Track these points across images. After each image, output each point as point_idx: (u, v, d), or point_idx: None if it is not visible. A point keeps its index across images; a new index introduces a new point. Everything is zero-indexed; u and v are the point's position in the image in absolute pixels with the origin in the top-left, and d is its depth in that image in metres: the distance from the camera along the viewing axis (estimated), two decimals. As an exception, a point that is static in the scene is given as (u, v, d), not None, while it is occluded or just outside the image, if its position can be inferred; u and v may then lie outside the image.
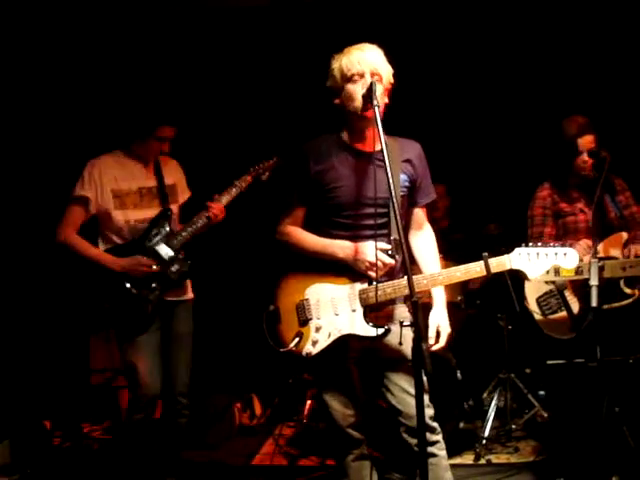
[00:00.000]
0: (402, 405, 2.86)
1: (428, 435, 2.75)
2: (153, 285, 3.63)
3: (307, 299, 2.91)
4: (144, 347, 3.63)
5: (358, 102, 2.78)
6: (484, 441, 4.45)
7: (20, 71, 5.28)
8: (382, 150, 2.59)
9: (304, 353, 2.88)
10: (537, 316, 4.05)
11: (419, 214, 3.06)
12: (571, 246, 2.78)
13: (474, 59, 5.45)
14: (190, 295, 3.89)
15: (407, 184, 2.93)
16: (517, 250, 2.74)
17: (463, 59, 5.46)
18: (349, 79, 2.79)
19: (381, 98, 2.75)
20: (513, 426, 4.67)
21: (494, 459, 4.37)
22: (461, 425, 4.64)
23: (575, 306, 3.92)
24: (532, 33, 5.26)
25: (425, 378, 2.78)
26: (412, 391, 2.70)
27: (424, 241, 3.07)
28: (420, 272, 2.98)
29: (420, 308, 2.42)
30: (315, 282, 2.92)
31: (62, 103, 5.51)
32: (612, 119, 4.67)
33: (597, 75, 5.19)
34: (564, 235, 4.04)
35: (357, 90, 2.78)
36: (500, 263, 2.74)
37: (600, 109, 4.42)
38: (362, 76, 2.77)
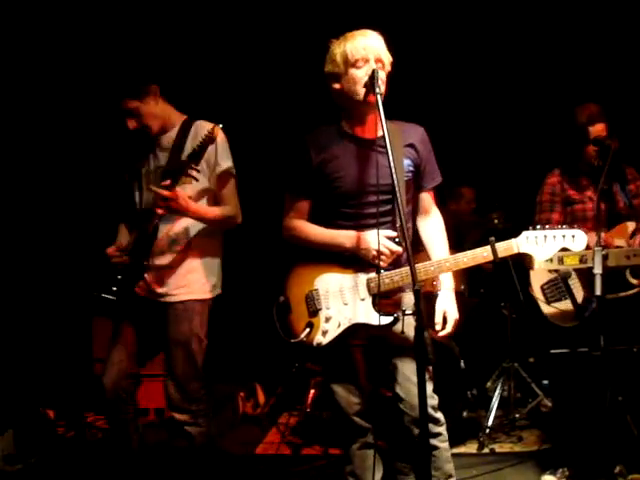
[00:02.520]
0: (406, 394, 2.85)
1: (430, 426, 2.75)
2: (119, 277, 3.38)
3: (316, 289, 2.90)
4: (113, 347, 3.42)
5: (361, 88, 2.75)
6: (488, 430, 4.45)
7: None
8: (384, 137, 2.57)
9: (315, 343, 2.87)
10: (541, 303, 4.04)
11: (426, 198, 3.03)
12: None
13: (481, 44, 5.42)
14: (185, 296, 3.39)
15: (411, 169, 2.91)
16: (524, 233, 2.72)
17: (470, 44, 5.42)
18: (353, 64, 2.76)
19: (383, 86, 2.73)
20: (517, 415, 4.69)
21: (498, 448, 4.38)
22: (465, 414, 4.65)
23: (580, 294, 3.90)
24: (545, 17, 5.21)
25: (430, 368, 2.78)
26: (416, 380, 2.69)
27: (432, 226, 3.04)
28: (428, 257, 2.96)
29: (422, 297, 2.41)
30: (324, 272, 2.90)
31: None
32: (626, 107, 4.64)
33: (610, 62, 5.15)
34: (572, 223, 4.02)
35: (361, 75, 2.75)
36: (508, 247, 2.72)
37: (614, 97, 4.39)
38: (366, 61, 2.75)
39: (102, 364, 3.51)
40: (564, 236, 2.71)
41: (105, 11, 5.16)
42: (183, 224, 3.36)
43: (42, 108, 5.47)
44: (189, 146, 3.31)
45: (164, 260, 3.37)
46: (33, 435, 4.53)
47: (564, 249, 2.74)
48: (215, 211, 3.38)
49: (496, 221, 4.91)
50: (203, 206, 3.37)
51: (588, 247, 2.87)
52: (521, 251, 2.72)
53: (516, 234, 2.74)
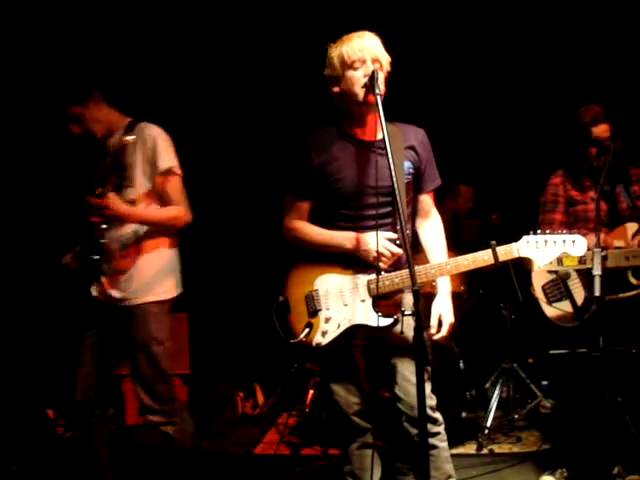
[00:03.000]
0: (404, 394, 2.85)
1: (429, 426, 2.75)
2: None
3: (316, 290, 2.90)
4: (80, 357, 3.41)
5: (359, 89, 2.76)
6: (487, 431, 4.46)
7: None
8: (384, 139, 2.57)
9: (314, 344, 2.87)
10: (543, 304, 4.04)
11: (426, 201, 3.04)
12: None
13: (482, 44, 5.41)
14: (141, 300, 3.35)
15: (411, 171, 2.91)
16: (525, 238, 2.72)
17: (471, 45, 5.42)
18: (350, 66, 2.77)
19: (382, 86, 2.74)
20: (516, 416, 4.69)
21: (496, 449, 4.38)
22: (463, 415, 4.65)
23: (580, 295, 3.90)
24: (548, 17, 5.20)
25: (429, 368, 2.78)
26: (415, 380, 2.70)
27: (431, 229, 3.05)
28: (427, 260, 2.97)
29: (422, 297, 2.41)
30: (324, 273, 2.91)
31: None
32: (630, 108, 4.64)
33: (614, 63, 5.14)
34: (574, 223, 4.02)
35: (359, 76, 2.75)
36: (508, 251, 2.72)
37: (618, 98, 4.39)
38: (363, 62, 2.75)
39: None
40: (564, 241, 2.71)
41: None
42: (131, 227, 3.35)
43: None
44: (131, 149, 3.32)
45: (117, 264, 3.36)
46: (32, 435, 4.53)
47: (564, 254, 2.74)
48: (158, 213, 3.37)
49: (495, 220, 4.94)
50: (142, 210, 3.34)
51: (588, 248, 2.87)
52: (521, 255, 2.72)
53: (517, 237, 2.74)
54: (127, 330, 3.35)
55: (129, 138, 3.26)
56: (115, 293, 3.35)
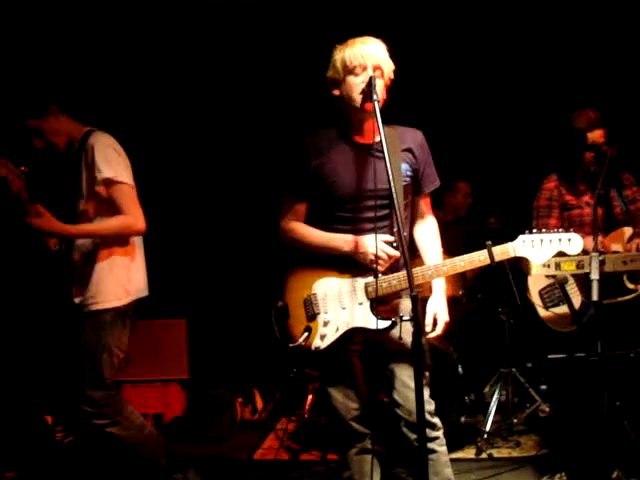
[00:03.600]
0: (403, 399, 2.86)
1: (428, 431, 2.75)
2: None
3: (314, 294, 2.91)
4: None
5: (358, 95, 2.77)
6: (485, 435, 4.45)
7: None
8: (381, 142, 2.58)
9: (313, 347, 2.87)
10: (539, 309, 4.04)
11: (422, 204, 3.05)
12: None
13: (479, 50, 5.43)
14: (96, 306, 3.41)
15: (409, 173, 2.92)
16: (521, 237, 2.73)
17: (467, 50, 5.44)
18: (351, 71, 2.78)
19: (381, 93, 2.75)
20: (514, 420, 4.68)
21: (495, 453, 4.37)
22: (462, 419, 4.65)
23: (577, 299, 3.91)
24: (541, 23, 5.22)
25: (427, 373, 2.79)
26: (413, 386, 2.70)
27: (426, 231, 3.06)
28: (422, 263, 2.98)
29: (420, 302, 2.42)
30: (322, 276, 2.91)
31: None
32: (622, 113, 4.65)
33: (607, 68, 5.17)
34: (569, 228, 4.03)
35: (358, 82, 2.77)
36: (504, 251, 2.73)
37: (609, 103, 4.40)
38: (364, 69, 2.77)
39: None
40: (560, 239, 2.72)
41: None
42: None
43: None
44: (84, 157, 3.35)
45: (80, 272, 3.45)
46: (31, 440, 4.53)
47: (560, 253, 2.75)
48: (99, 226, 3.39)
49: (492, 225, 4.95)
50: (85, 224, 3.39)
51: (585, 252, 2.88)
52: (517, 255, 2.73)
53: (512, 237, 2.75)
54: (81, 333, 3.41)
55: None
56: (77, 300, 3.45)
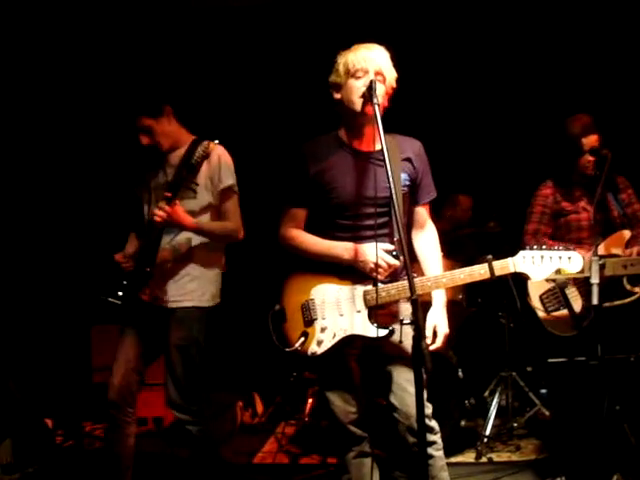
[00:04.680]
0: (401, 403, 2.86)
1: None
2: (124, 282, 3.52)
3: (312, 299, 2.91)
4: (119, 348, 3.54)
5: (358, 99, 2.78)
6: (485, 439, 4.45)
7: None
8: (382, 150, 2.59)
9: (309, 353, 2.87)
10: (540, 313, 4.05)
11: (421, 213, 3.05)
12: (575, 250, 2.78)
13: (476, 57, 5.46)
14: (185, 303, 3.51)
15: (407, 182, 2.93)
16: (521, 253, 2.72)
17: (465, 57, 5.47)
18: (352, 75, 2.79)
19: (381, 98, 2.75)
20: (514, 424, 4.68)
21: (495, 457, 4.37)
22: (462, 423, 4.64)
23: (578, 303, 3.92)
24: (535, 31, 5.27)
25: (424, 376, 2.78)
26: (411, 390, 2.70)
27: (426, 240, 3.06)
28: (421, 271, 2.98)
29: (420, 307, 2.42)
30: (321, 282, 2.91)
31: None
32: (614, 117, 4.67)
33: (599, 73, 5.20)
34: (567, 233, 4.05)
35: (359, 86, 2.78)
36: (504, 266, 2.73)
37: (602, 107, 4.42)
38: (366, 73, 2.77)
39: (100, 372, 3.55)
40: (560, 257, 2.71)
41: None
42: (186, 235, 3.51)
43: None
44: (206, 165, 3.48)
45: (167, 268, 3.51)
46: (31, 444, 4.52)
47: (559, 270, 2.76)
48: (215, 226, 3.55)
49: (492, 229, 4.96)
50: (202, 221, 3.51)
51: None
52: (517, 270, 2.72)
53: (514, 247, 2.75)
54: (168, 331, 3.50)
55: (212, 145, 3.43)
56: (162, 295, 3.50)
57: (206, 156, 3.40)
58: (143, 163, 3.65)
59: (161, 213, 3.34)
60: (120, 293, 3.45)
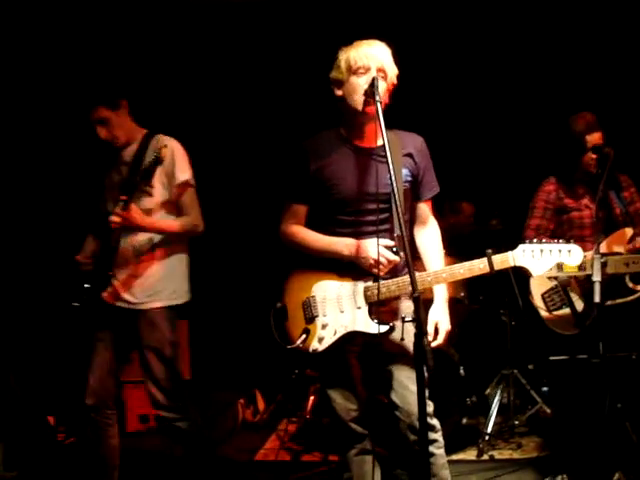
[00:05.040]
0: (402, 401, 2.86)
1: None
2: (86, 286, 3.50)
3: (313, 296, 2.91)
4: (93, 353, 3.54)
5: (360, 96, 2.78)
6: (487, 437, 4.45)
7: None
8: (384, 146, 2.59)
9: (311, 350, 2.88)
10: (542, 311, 4.05)
11: (423, 209, 3.05)
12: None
13: (478, 54, 5.45)
14: (155, 304, 3.49)
15: (409, 178, 2.92)
16: (521, 247, 2.72)
17: (467, 54, 5.45)
18: (354, 71, 2.79)
19: (383, 95, 2.75)
20: (516, 422, 4.68)
21: (497, 455, 4.37)
22: (464, 421, 4.64)
23: (579, 302, 3.91)
24: (538, 28, 5.25)
25: (426, 374, 2.78)
26: (412, 388, 2.71)
27: (428, 237, 3.06)
28: (423, 267, 2.98)
29: (422, 304, 2.42)
30: (322, 279, 2.91)
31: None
32: (616, 115, 4.67)
33: (602, 71, 5.19)
34: (569, 230, 4.04)
35: (361, 83, 2.77)
36: (504, 260, 2.72)
37: (604, 105, 4.41)
38: (368, 70, 2.77)
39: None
40: (560, 250, 2.71)
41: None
42: (147, 234, 3.49)
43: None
44: (147, 160, 3.43)
45: (130, 269, 3.49)
46: (33, 441, 4.53)
47: (560, 264, 2.75)
48: (174, 223, 3.50)
49: (494, 227, 4.96)
50: (159, 220, 3.48)
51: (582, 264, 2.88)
52: (517, 264, 2.71)
53: (516, 244, 2.75)
54: (140, 333, 3.48)
55: (164, 149, 3.34)
56: (129, 297, 3.48)
57: (159, 162, 3.32)
58: (96, 160, 3.63)
59: (117, 219, 3.34)
60: (84, 296, 3.44)
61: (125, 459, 3.71)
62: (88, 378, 3.49)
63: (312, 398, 4.72)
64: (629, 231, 3.95)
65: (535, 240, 2.73)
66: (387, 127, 2.64)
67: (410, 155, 2.93)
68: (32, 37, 5.17)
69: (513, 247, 2.74)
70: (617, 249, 3.89)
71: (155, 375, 3.47)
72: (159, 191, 3.47)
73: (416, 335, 2.40)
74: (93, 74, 4.10)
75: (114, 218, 3.33)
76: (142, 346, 3.48)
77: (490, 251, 2.71)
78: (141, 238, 3.48)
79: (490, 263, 2.71)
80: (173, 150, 3.45)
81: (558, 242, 2.73)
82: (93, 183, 3.63)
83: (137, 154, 3.50)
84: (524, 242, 2.73)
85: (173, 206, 3.51)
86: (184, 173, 3.48)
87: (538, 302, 4.07)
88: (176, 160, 3.45)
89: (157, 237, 3.49)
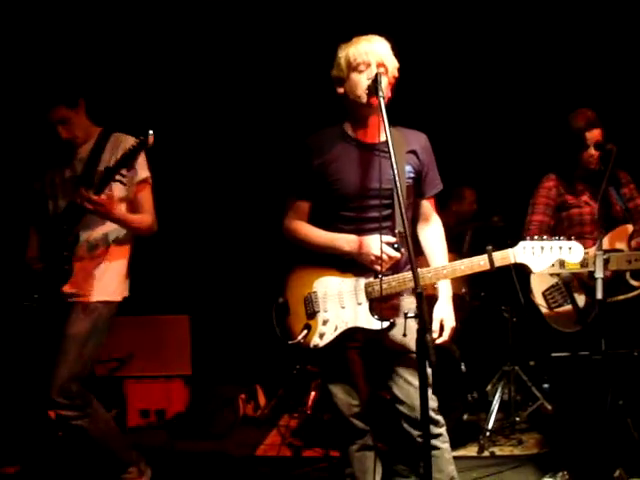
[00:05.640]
0: (405, 396, 2.86)
1: (431, 428, 2.75)
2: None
3: (315, 292, 2.91)
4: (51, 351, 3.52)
5: (362, 92, 2.77)
6: (488, 433, 4.46)
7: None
8: (387, 141, 2.58)
9: (312, 345, 2.88)
10: (543, 309, 4.04)
11: (426, 206, 3.04)
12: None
13: (479, 51, 5.45)
14: (95, 298, 3.50)
15: (412, 175, 2.92)
16: (522, 244, 2.72)
17: (468, 51, 5.45)
18: (355, 68, 2.79)
19: (385, 90, 2.75)
20: (517, 418, 4.69)
21: (498, 451, 4.38)
22: (465, 417, 4.66)
23: (581, 299, 3.91)
24: (539, 25, 5.25)
25: (429, 370, 2.78)
26: (415, 383, 2.71)
27: (431, 233, 3.05)
28: (427, 264, 2.97)
29: (425, 300, 2.42)
30: (323, 275, 2.91)
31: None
32: (615, 112, 4.66)
33: (602, 68, 5.19)
34: (569, 227, 4.03)
35: (362, 80, 2.77)
36: (504, 257, 2.72)
37: (603, 102, 4.41)
38: (368, 66, 2.77)
39: (103, 365, 3.53)
40: (561, 247, 2.70)
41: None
42: (102, 230, 3.52)
43: None
44: (107, 156, 3.46)
45: (82, 264, 3.50)
46: (34, 436, 4.54)
47: (561, 261, 2.75)
48: (135, 218, 3.54)
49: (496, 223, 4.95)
50: (126, 213, 3.52)
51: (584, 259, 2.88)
52: (517, 261, 2.71)
53: (517, 241, 2.74)
54: (67, 322, 3.46)
55: (143, 139, 3.29)
56: (69, 289, 3.46)
57: (144, 145, 3.26)
58: (42, 157, 3.64)
59: (94, 198, 3.27)
60: (35, 295, 3.44)
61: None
62: (49, 376, 3.44)
63: (313, 394, 4.72)
64: (629, 227, 3.95)
65: (536, 237, 2.73)
66: (391, 124, 2.63)
67: (414, 152, 2.92)
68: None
69: (514, 244, 2.73)
70: (619, 246, 3.88)
71: (66, 366, 3.41)
72: (119, 187, 3.48)
73: (419, 331, 2.40)
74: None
75: (93, 197, 3.27)
76: (64, 336, 3.45)
77: (490, 248, 2.71)
78: (97, 234, 3.51)
79: (490, 260, 2.70)
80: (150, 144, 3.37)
81: (559, 239, 2.73)
82: (38, 179, 3.62)
83: (94, 150, 3.50)
84: (525, 239, 2.73)
85: (129, 203, 3.55)
86: (145, 171, 3.51)
87: (539, 300, 4.07)
88: (138, 158, 3.40)
89: (112, 234, 3.54)
